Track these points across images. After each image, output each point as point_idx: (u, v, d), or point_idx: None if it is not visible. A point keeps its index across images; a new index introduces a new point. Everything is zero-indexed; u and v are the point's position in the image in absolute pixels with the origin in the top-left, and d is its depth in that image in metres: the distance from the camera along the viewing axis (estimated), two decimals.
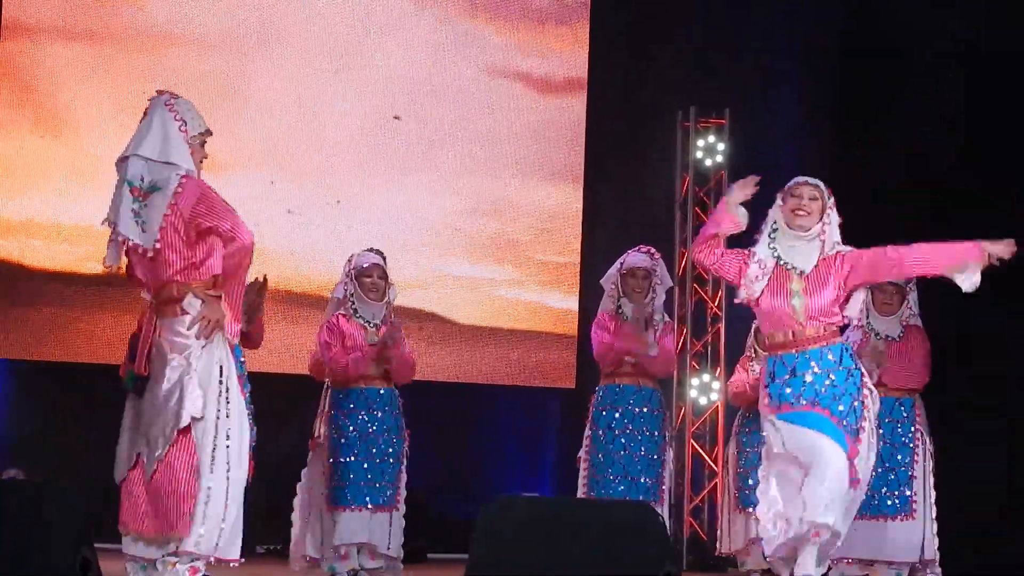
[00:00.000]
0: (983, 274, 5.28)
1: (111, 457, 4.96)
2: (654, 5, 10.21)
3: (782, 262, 5.34)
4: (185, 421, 4.71)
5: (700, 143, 10.24)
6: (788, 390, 5.27)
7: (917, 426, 6.58)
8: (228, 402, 4.77)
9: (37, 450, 9.08)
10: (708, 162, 10.24)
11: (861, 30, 9.88)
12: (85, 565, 4.65)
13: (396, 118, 9.74)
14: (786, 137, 9.79)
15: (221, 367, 4.78)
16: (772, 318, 5.35)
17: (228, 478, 4.75)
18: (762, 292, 5.34)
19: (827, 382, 5.24)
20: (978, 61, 9.03)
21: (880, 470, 6.59)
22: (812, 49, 10.17)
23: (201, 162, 4.93)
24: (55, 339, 9.39)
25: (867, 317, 6.82)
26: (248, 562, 5.07)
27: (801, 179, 5.43)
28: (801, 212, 5.33)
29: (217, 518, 4.73)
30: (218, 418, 4.75)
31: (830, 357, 5.27)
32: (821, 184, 5.42)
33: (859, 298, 5.42)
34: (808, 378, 5.25)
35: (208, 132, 4.94)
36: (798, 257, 5.34)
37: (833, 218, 5.40)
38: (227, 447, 4.75)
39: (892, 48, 9.43)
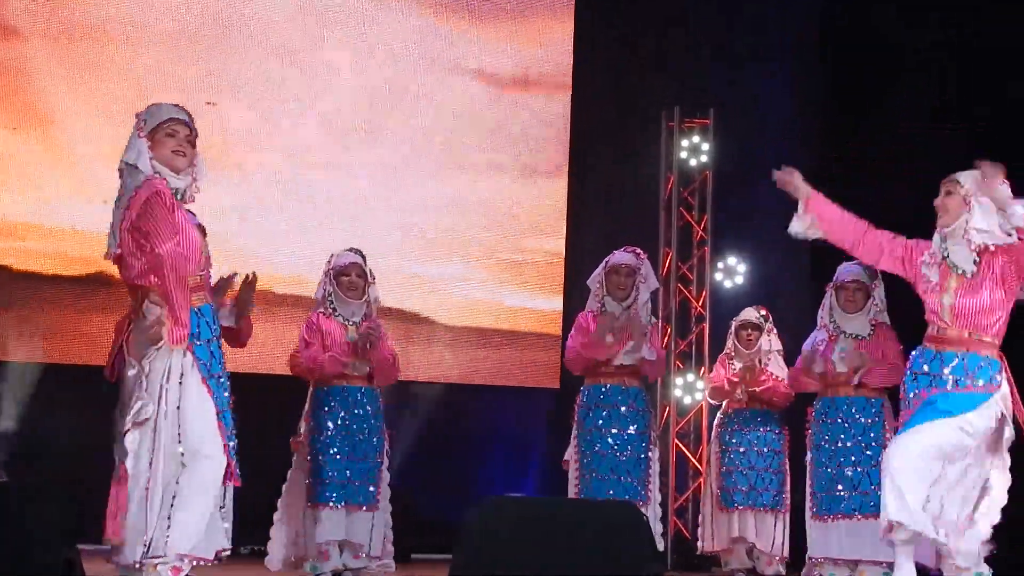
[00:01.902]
0: None
1: (103, 458, 4.93)
2: (639, 1, 10.22)
3: (949, 261, 5.14)
4: (127, 426, 4.68)
5: (685, 143, 10.23)
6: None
7: (887, 426, 6.58)
8: (163, 403, 4.69)
9: (29, 451, 9.02)
10: (693, 162, 10.23)
11: (852, 24, 9.87)
12: (68, 566, 4.64)
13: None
14: (776, 132, 9.78)
15: (169, 372, 4.72)
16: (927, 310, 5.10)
17: (158, 480, 4.65)
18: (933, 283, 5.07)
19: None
20: (969, 55, 9.03)
21: (856, 470, 6.59)
22: (803, 44, 10.16)
23: (175, 152, 4.90)
24: (50, 340, 9.33)
25: (831, 317, 6.75)
26: (232, 562, 5.05)
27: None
28: (940, 212, 5.05)
29: (152, 518, 4.64)
30: (156, 422, 4.69)
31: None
32: (962, 173, 5.04)
33: None
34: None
35: (173, 119, 4.90)
36: (959, 255, 5.13)
37: (979, 209, 5.04)
38: (151, 449, 4.66)
39: (883, 43, 9.43)
